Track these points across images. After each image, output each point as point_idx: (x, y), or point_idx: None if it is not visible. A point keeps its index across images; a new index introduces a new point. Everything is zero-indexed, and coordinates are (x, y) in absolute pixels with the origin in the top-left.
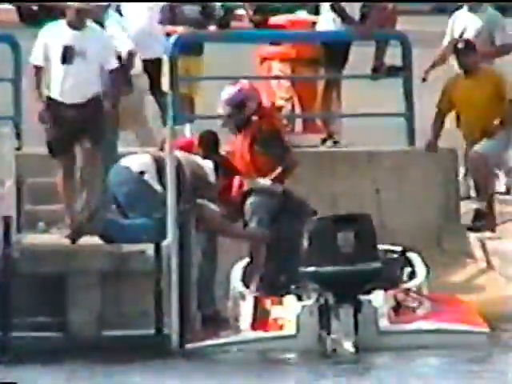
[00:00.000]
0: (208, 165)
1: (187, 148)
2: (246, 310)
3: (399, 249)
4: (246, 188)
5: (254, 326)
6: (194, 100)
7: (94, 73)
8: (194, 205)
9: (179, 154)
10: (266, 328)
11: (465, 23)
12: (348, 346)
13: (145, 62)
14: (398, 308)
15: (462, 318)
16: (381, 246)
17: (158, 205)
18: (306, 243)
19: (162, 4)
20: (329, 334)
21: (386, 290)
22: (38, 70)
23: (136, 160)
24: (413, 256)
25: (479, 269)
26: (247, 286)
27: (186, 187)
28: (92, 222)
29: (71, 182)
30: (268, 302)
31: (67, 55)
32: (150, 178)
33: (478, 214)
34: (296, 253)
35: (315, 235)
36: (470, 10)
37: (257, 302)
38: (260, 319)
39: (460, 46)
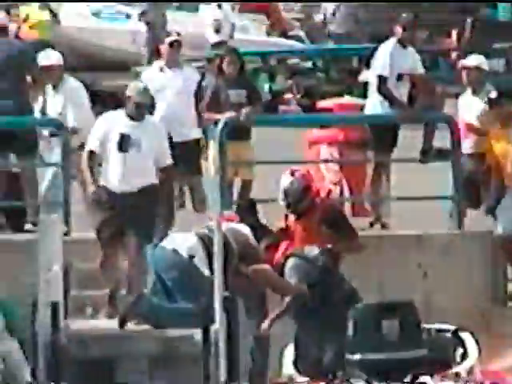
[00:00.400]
0: (246, 229)
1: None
2: None
3: (452, 328)
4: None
5: None
6: (249, 184)
7: (148, 164)
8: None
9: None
10: None
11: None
12: None
13: (174, 144)
14: None
15: None
16: (434, 326)
17: (205, 289)
18: (351, 330)
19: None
20: None
21: (438, 371)
22: (93, 155)
23: (183, 242)
24: (465, 336)
25: None
26: (298, 371)
27: (233, 258)
28: (138, 307)
29: (112, 268)
30: None
31: (123, 143)
32: (199, 261)
33: None
34: (341, 338)
35: (360, 323)
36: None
37: None
38: None
39: (493, 95)
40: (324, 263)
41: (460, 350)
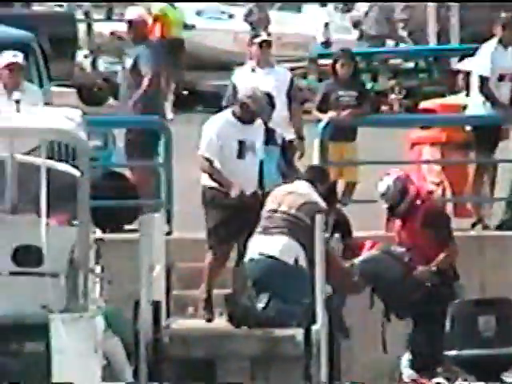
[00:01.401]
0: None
1: None
2: None
3: None
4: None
5: None
6: (352, 186)
7: (258, 166)
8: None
9: None
10: None
11: None
12: None
13: None
14: None
15: None
16: None
17: (308, 289)
18: (448, 326)
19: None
20: None
21: None
22: (211, 162)
23: (281, 245)
24: None
25: None
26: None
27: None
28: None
29: (220, 269)
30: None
31: (241, 150)
32: (303, 261)
33: None
34: (441, 334)
35: (457, 318)
36: None
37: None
38: None
39: None
40: (407, 260)
41: None
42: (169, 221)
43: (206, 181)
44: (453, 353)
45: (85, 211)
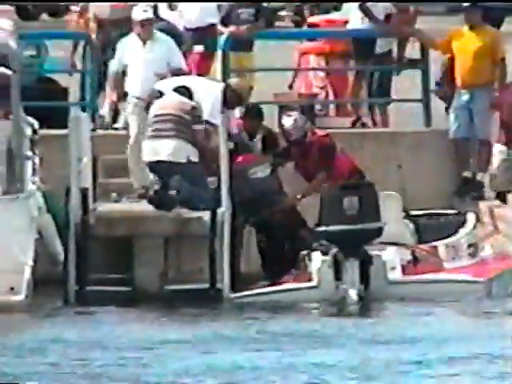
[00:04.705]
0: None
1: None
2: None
3: (462, 211)
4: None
5: (296, 278)
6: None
7: None
8: None
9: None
10: (300, 280)
11: None
12: (352, 294)
13: None
14: (416, 262)
15: (478, 270)
16: (446, 211)
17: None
18: (319, 207)
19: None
20: (342, 284)
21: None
22: None
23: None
24: (469, 217)
25: (487, 232)
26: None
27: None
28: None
29: None
30: (306, 258)
31: None
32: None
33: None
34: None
35: (325, 200)
36: None
37: (303, 258)
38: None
39: (465, 4)
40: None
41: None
42: (93, 119)
43: None
44: (321, 229)
45: (17, 106)
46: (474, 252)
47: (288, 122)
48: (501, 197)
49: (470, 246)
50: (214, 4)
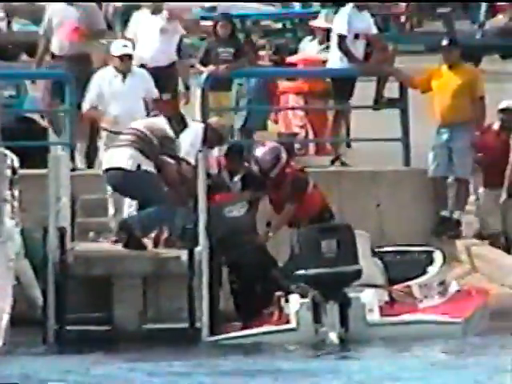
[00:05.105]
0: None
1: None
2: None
3: (429, 249)
4: None
5: (275, 321)
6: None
7: None
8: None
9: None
10: (279, 321)
11: None
12: (333, 337)
13: None
14: (392, 302)
15: (452, 309)
16: (413, 248)
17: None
18: (296, 249)
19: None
20: (322, 327)
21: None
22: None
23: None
24: (436, 255)
25: (465, 271)
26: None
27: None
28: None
29: None
30: (282, 300)
31: None
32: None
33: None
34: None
35: (303, 243)
36: None
37: (279, 301)
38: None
39: (444, 43)
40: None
41: (431, 268)
42: (72, 158)
43: None
44: (300, 272)
45: None
46: (444, 290)
47: (258, 152)
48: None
49: (440, 284)
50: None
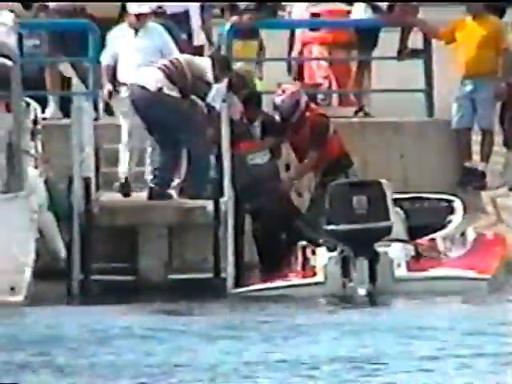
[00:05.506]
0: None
1: None
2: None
3: (448, 197)
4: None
5: (300, 273)
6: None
7: None
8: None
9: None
10: (305, 275)
11: None
12: (362, 292)
13: None
14: (419, 257)
15: (479, 263)
16: (432, 195)
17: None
18: (327, 204)
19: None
20: (350, 281)
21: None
22: None
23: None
24: (457, 204)
25: (490, 222)
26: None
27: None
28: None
29: None
30: (309, 252)
31: None
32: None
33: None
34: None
35: (334, 198)
36: None
37: (304, 251)
38: (305, 267)
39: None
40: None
41: (450, 217)
42: (96, 108)
43: None
44: (330, 227)
45: (18, 99)
46: (464, 240)
47: (278, 100)
48: None
49: (461, 234)
50: None
